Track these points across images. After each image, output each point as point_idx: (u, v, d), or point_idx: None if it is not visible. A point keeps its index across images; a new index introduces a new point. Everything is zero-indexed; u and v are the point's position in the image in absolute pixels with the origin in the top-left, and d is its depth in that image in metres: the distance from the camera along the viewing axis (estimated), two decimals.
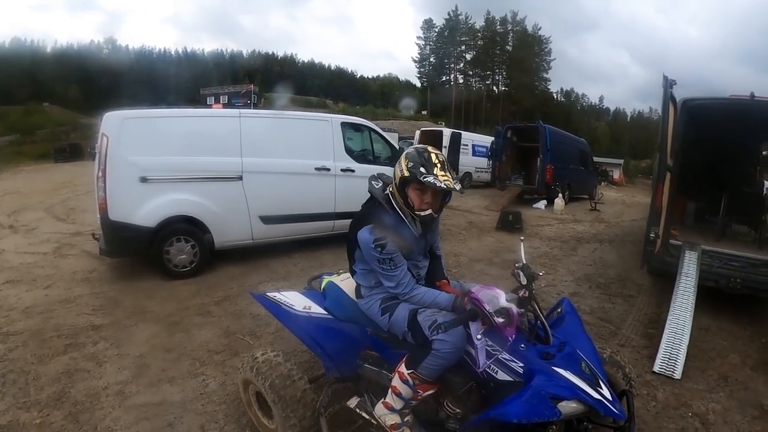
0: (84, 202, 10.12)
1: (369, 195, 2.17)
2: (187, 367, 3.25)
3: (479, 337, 1.77)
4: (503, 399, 1.70)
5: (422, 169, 1.89)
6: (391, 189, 2.07)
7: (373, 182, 2.15)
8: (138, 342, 3.62)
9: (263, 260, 5.81)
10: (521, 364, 1.79)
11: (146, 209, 4.93)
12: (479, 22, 71.82)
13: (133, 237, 4.91)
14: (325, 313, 2.29)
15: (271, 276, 5.34)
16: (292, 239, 6.07)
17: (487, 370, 1.82)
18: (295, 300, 2.36)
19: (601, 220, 11.57)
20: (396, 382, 1.94)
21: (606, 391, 1.75)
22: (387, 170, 2.26)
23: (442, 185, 1.87)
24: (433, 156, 1.95)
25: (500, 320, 1.75)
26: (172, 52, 73.92)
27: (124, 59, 60.52)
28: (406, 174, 1.93)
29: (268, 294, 2.46)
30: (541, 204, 13.00)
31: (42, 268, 5.53)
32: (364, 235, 1.96)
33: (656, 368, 3.42)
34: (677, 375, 3.34)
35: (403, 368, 1.92)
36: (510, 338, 1.79)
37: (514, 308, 1.79)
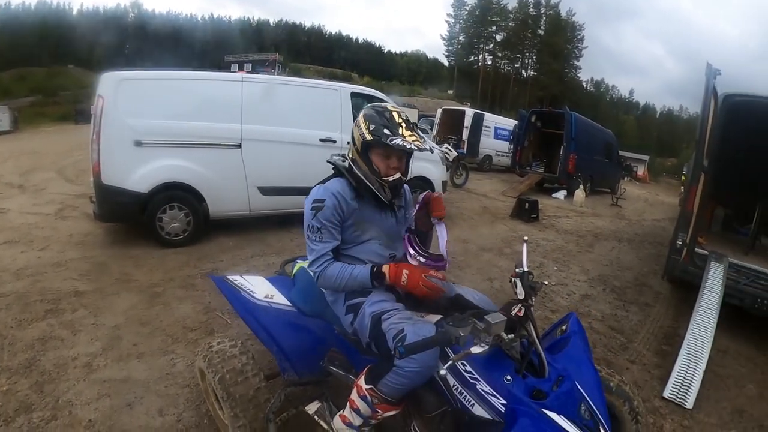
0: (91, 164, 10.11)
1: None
2: (159, 344, 3.10)
3: (443, 372, 1.36)
4: None
5: (386, 131, 1.71)
6: (351, 156, 1.86)
7: (335, 157, 1.94)
8: (116, 312, 3.51)
9: (259, 233, 5.62)
10: (503, 402, 1.44)
11: (140, 174, 4.76)
12: (512, 4, 69.88)
13: (125, 202, 4.75)
14: (289, 304, 2.01)
15: (266, 250, 5.15)
16: (291, 212, 5.77)
17: (462, 400, 1.50)
18: (259, 287, 2.08)
19: (621, 217, 11.13)
20: (354, 396, 1.65)
21: None
22: None
23: (412, 147, 1.70)
24: (395, 114, 1.77)
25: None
26: (199, 18, 73.89)
27: (150, 23, 60.60)
28: (369, 138, 1.73)
29: (228, 277, 2.19)
30: (561, 194, 12.57)
31: (41, 230, 5.48)
32: (310, 193, 1.82)
33: (667, 394, 3.11)
34: (689, 404, 3.03)
35: (362, 382, 1.63)
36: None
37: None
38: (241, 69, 37.78)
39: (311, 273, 1.78)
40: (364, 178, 1.82)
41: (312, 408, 1.93)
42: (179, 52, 50.06)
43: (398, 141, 1.69)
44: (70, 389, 2.58)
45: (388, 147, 1.73)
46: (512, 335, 1.47)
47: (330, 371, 1.95)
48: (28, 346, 2.98)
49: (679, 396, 3.09)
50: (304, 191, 5.53)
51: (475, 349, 1.37)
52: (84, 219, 5.99)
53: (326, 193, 1.78)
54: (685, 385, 3.17)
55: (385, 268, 1.69)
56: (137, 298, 3.77)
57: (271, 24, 78.40)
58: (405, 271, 1.66)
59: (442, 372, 1.34)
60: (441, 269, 1.83)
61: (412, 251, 1.86)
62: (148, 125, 4.75)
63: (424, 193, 1.90)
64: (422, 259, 1.84)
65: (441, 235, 1.86)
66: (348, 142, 1.91)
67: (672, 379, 3.22)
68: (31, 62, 44.89)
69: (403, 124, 1.75)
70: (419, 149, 1.71)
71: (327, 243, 1.75)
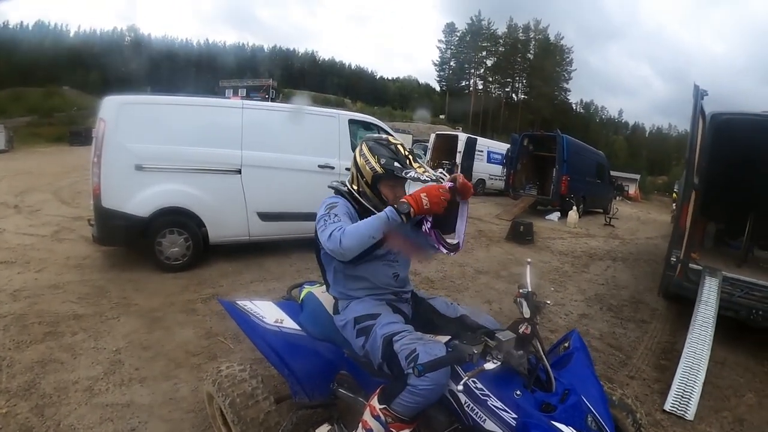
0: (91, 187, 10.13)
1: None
2: (161, 368, 3.08)
3: (460, 388, 1.46)
4: None
5: (397, 164, 1.82)
6: (354, 188, 1.96)
7: (335, 183, 2.04)
8: (117, 336, 3.48)
9: (258, 258, 5.62)
10: (514, 416, 1.48)
11: (140, 198, 4.79)
12: (501, 29, 71.38)
13: (124, 226, 4.76)
14: (299, 328, 2.04)
15: (265, 276, 5.15)
16: (290, 238, 5.83)
17: (473, 416, 1.54)
18: (268, 311, 2.11)
19: (615, 236, 11.22)
20: (367, 416, 1.67)
21: None
22: None
23: (425, 178, 1.75)
24: (400, 147, 1.89)
25: None
26: (194, 43, 74.84)
27: (146, 47, 61.30)
28: (380, 171, 1.83)
29: (237, 302, 2.22)
30: (555, 216, 12.67)
31: (38, 251, 5.48)
32: (322, 203, 1.88)
33: (668, 407, 3.13)
34: (690, 416, 3.05)
35: (375, 402, 1.66)
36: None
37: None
38: (235, 94, 38.13)
39: (332, 240, 1.67)
40: (373, 209, 1.86)
41: (322, 431, 1.94)
42: (174, 77, 50.53)
43: (413, 174, 1.77)
44: (72, 413, 2.55)
45: (398, 178, 1.81)
46: (521, 352, 1.54)
47: (339, 394, 1.97)
48: (27, 368, 2.96)
49: (680, 408, 3.11)
50: (303, 217, 5.52)
51: (489, 366, 1.44)
52: (81, 242, 5.98)
53: (337, 198, 1.90)
54: (686, 398, 3.19)
55: (406, 205, 1.63)
56: (138, 322, 3.75)
57: (265, 50, 79.50)
58: (423, 195, 1.63)
59: (460, 388, 1.42)
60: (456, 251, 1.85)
61: (442, 248, 1.86)
62: (149, 150, 4.80)
63: (452, 177, 1.82)
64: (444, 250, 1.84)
65: (463, 212, 1.87)
66: (347, 168, 1.97)
67: (672, 392, 3.25)
68: (27, 82, 45.13)
69: (410, 156, 1.85)
70: (432, 180, 1.75)
71: (342, 223, 1.73)
